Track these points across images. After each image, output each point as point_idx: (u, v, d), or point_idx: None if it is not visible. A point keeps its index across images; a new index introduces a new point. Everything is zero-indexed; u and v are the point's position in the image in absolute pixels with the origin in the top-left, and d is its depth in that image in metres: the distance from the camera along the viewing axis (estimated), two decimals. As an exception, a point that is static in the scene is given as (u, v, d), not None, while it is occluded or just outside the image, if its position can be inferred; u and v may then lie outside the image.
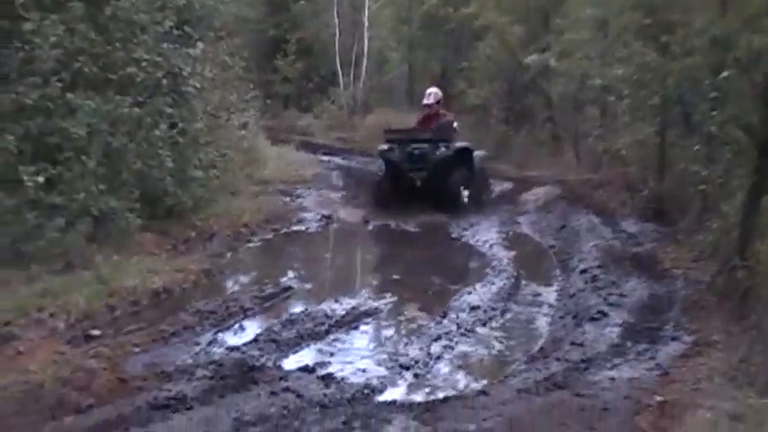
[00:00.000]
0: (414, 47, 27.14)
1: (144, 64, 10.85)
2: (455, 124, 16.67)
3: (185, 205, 11.70)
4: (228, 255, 11.31)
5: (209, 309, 8.43)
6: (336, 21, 29.41)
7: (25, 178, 8.58)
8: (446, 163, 15.56)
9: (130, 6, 10.65)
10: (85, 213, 9.23)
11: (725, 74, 9.44)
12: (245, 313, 8.50)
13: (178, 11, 12.11)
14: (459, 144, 16.18)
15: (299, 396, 6.22)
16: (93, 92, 9.86)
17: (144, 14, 11.01)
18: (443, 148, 15.77)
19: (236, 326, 8.17)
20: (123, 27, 10.75)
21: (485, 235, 13.37)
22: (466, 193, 15.73)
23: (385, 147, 16.20)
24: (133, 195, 10.18)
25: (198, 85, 12.35)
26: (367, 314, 8.63)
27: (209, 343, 7.55)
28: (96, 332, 7.54)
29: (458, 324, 8.42)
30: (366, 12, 28.59)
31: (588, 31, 17.38)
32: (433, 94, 16.86)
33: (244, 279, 10.32)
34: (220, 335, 7.84)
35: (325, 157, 21.85)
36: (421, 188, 15.67)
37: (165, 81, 11.30)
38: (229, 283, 10.03)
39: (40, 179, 8.77)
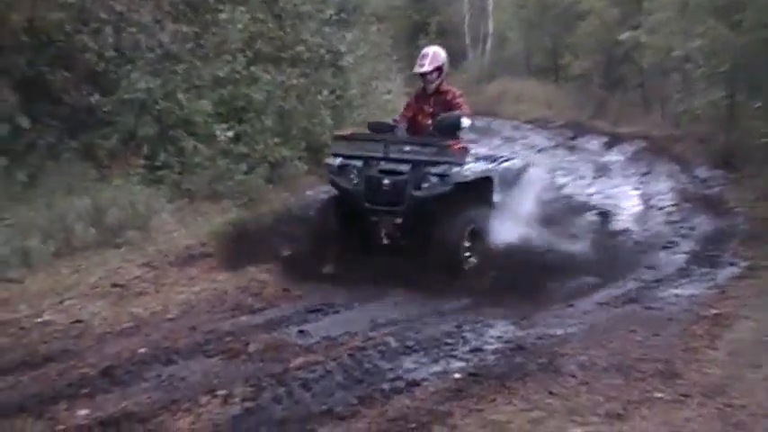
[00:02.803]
0: (529, 26, 26.65)
1: (309, 44, 11.16)
2: (465, 119, 7.46)
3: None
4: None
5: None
6: (467, 6, 29.19)
7: (218, 133, 8.92)
8: (440, 201, 6.99)
9: (298, -1, 11.00)
10: (264, 161, 9.48)
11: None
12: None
13: (337, 2, 12.45)
14: (472, 165, 7.39)
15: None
16: (271, 66, 10.20)
17: (309, 5, 11.35)
18: (437, 176, 7.04)
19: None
20: (293, 15, 11.08)
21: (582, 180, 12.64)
22: (468, 253, 7.09)
23: (335, 163, 7.37)
24: (300, 147, 10.35)
25: (352, 61, 12.48)
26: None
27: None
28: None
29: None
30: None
31: (672, 11, 16.69)
32: (430, 55, 7.68)
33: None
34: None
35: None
36: (390, 246, 7.19)
37: (326, 57, 11.64)
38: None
39: (230, 134, 9.10)
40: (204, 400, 4.31)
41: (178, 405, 4.23)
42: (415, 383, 4.62)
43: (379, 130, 7.84)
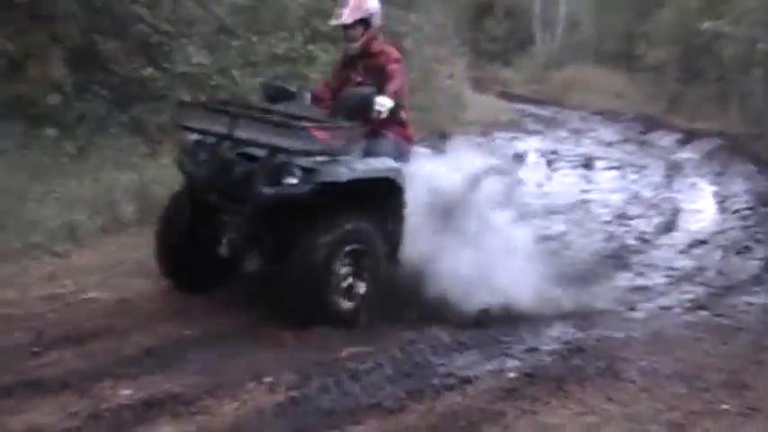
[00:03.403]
0: (603, 10, 26.50)
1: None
2: (384, 99, 5.60)
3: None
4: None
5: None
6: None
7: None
8: (304, 206, 5.32)
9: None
10: None
11: None
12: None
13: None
14: (364, 161, 5.57)
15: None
16: (329, 44, 10.32)
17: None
18: (303, 170, 5.26)
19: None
20: None
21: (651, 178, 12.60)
22: (359, 287, 5.54)
23: (192, 138, 5.82)
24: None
25: (413, 42, 12.58)
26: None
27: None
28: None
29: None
30: (562, -18, 28.17)
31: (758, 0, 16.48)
32: (352, 3, 5.88)
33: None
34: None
35: (519, 106, 21.22)
36: (230, 260, 5.78)
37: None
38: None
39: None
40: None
41: (223, 390, 4.35)
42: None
43: (273, 96, 6.26)
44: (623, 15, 25.36)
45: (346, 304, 5.54)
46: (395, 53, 6.05)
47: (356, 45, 6.01)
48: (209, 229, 5.66)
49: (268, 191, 5.28)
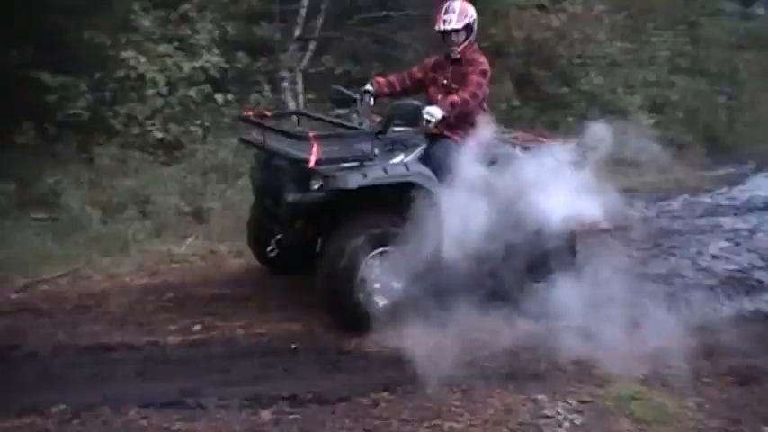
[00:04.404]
0: None
1: (715, 61, 15.05)
2: (435, 110, 6.02)
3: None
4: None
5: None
6: None
7: (643, 121, 12.72)
8: (332, 206, 5.80)
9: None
10: (672, 144, 13.18)
11: None
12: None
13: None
14: (379, 166, 5.82)
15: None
16: (685, 75, 14.34)
17: (719, 33, 15.51)
18: (323, 177, 5.69)
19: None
20: (707, 40, 15.16)
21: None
22: (395, 286, 5.99)
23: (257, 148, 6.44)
24: (701, 135, 14.31)
25: (746, 76, 16.18)
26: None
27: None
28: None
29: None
30: None
31: None
32: (458, 9, 6.37)
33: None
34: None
35: None
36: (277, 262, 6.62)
37: (725, 72, 15.50)
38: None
39: (651, 121, 12.78)
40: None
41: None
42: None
43: (337, 101, 6.93)
44: None
45: (382, 302, 6.02)
46: (484, 64, 6.38)
47: (459, 49, 6.46)
48: (270, 229, 6.43)
49: (291, 197, 5.79)
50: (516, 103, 12.35)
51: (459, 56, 6.47)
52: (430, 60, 6.72)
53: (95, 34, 9.79)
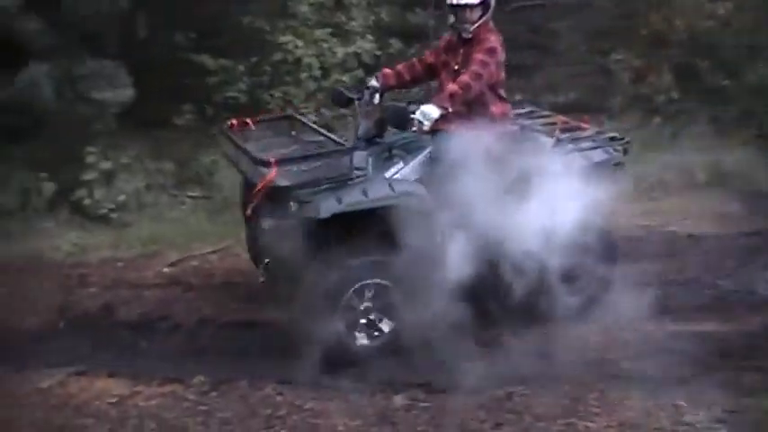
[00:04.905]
0: None
1: None
2: (431, 108, 5.31)
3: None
4: None
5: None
6: None
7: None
8: (311, 234, 5.00)
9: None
10: None
11: None
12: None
13: None
14: (348, 191, 5.06)
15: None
16: None
17: None
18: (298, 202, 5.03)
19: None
20: None
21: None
22: (384, 324, 5.43)
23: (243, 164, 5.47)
24: None
25: None
26: None
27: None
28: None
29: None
30: None
31: None
32: None
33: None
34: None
35: None
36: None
37: None
38: None
39: None
40: None
41: None
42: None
43: (337, 101, 6.16)
44: None
45: (362, 342, 5.39)
46: (491, 41, 5.61)
47: (471, 28, 5.67)
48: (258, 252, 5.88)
49: (266, 224, 5.28)
50: (675, 95, 11.85)
51: (470, 35, 5.69)
52: (443, 41, 6.01)
53: (254, 19, 10.07)
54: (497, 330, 5.80)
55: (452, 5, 5.67)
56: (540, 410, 5.00)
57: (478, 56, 5.51)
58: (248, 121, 6.00)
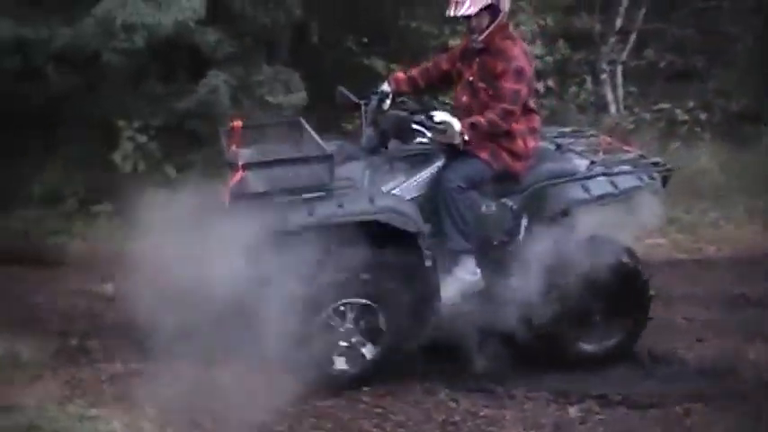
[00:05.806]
0: None
1: None
2: (442, 116, 4.90)
3: None
4: None
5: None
6: None
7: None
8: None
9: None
10: None
11: None
12: None
13: None
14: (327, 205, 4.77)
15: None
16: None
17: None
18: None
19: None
20: None
21: None
22: (367, 350, 5.15)
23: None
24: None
25: None
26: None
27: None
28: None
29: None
30: None
31: None
32: None
33: None
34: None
35: None
36: None
37: None
38: None
39: None
40: None
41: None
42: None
43: (341, 104, 5.65)
44: None
45: (340, 367, 5.09)
46: (515, 57, 5.03)
47: (480, 38, 5.11)
48: None
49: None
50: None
51: (482, 45, 5.13)
52: (460, 46, 5.53)
53: (422, 24, 10.14)
54: (672, 344, 5.74)
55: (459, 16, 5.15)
56: (720, 429, 4.84)
57: (507, 84, 4.98)
58: (249, 123, 5.79)
